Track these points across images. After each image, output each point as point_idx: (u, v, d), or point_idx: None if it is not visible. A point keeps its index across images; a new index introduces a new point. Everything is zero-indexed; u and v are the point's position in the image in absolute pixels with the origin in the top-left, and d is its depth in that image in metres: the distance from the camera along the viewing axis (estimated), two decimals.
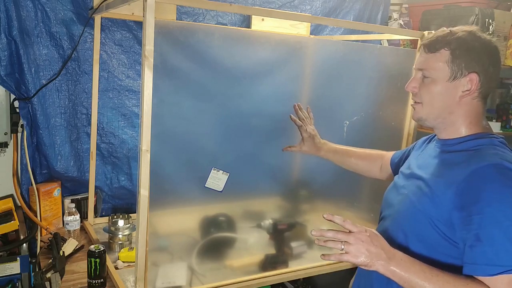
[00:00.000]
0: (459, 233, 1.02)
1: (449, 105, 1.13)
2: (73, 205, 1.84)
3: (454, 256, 1.05)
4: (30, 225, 1.81)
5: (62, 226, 1.91)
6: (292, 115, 1.64)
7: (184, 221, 1.60)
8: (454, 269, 1.03)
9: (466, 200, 1.01)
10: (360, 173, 1.64)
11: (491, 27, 2.25)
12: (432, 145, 1.26)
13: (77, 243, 1.72)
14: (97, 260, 1.42)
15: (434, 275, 0.99)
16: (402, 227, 1.15)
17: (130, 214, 1.82)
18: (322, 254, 1.04)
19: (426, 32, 1.68)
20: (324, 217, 1.07)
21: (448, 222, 1.04)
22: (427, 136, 1.39)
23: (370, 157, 1.60)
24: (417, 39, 1.72)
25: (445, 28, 1.16)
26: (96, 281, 1.43)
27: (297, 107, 1.64)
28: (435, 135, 1.30)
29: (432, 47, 1.12)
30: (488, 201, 0.98)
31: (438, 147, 1.20)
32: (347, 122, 1.76)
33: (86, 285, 1.45)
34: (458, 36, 1.10)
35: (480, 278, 0.97)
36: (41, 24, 1.78)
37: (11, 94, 1.80)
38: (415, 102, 1.18)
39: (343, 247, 1.02)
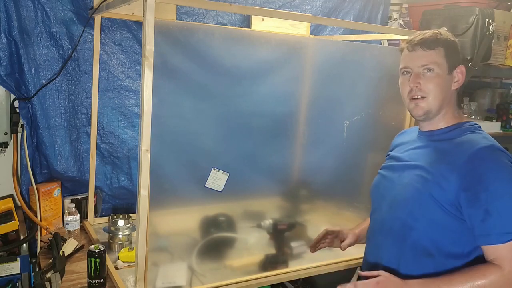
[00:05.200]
0: (467, 210, 1.15)
1: (448, 95, 1.28)
2: (73, 205, 1.84)
3: (462, 232, 1.17)
4: (30, 225, 1.81)
5: (62, 226, 1.91)
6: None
7: (184, 221, 1.60)
8: (462, 244, 1.18)
9: (470, 181, 1.15)
10: None
11: (491, 27, 2.25)
12: (415, 138, 1.37)
13: (77, 243, 1.72)
14: (97, 260, 1.42)
15: (447, 283, 1.11)
16: (411, 213, 1.24)
17: (130, 214, 1.82)
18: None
19: None
20: None
21: (455, 202, 1.17)
22: (398, 135, 1.51)
23: None
24: None
25: (443, 28, 1.22)
26: (96, 281, 1.43)
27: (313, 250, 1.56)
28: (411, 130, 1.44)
29: (431, 45, 1.26)
30: (491, 179, 1.13)
31: (425, 139, 1.32)
32: (347, 122, 1.76)
33: (86, 285, 1.44)
34: (446, 37, 1.28)
35: (492, 247, 1.12)
36: (41, 24, 1.78)
37: (11, 94, 1.80)
38: (419, 98, 1.26)
39: None
